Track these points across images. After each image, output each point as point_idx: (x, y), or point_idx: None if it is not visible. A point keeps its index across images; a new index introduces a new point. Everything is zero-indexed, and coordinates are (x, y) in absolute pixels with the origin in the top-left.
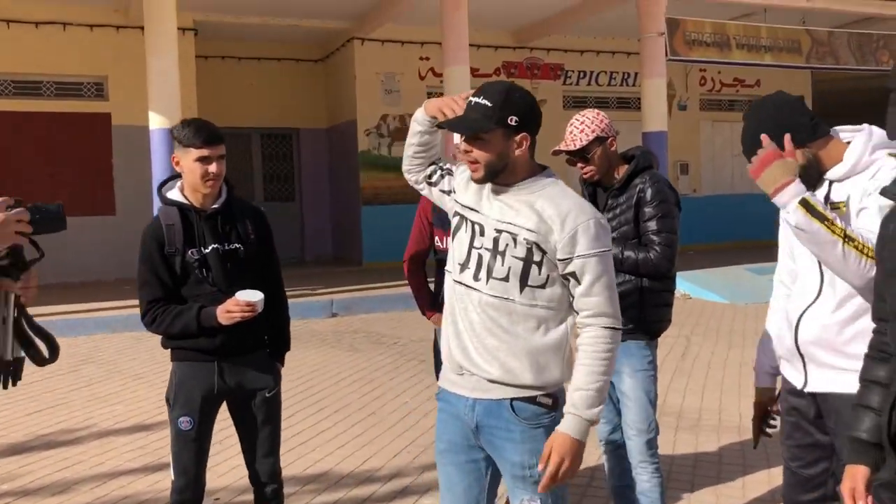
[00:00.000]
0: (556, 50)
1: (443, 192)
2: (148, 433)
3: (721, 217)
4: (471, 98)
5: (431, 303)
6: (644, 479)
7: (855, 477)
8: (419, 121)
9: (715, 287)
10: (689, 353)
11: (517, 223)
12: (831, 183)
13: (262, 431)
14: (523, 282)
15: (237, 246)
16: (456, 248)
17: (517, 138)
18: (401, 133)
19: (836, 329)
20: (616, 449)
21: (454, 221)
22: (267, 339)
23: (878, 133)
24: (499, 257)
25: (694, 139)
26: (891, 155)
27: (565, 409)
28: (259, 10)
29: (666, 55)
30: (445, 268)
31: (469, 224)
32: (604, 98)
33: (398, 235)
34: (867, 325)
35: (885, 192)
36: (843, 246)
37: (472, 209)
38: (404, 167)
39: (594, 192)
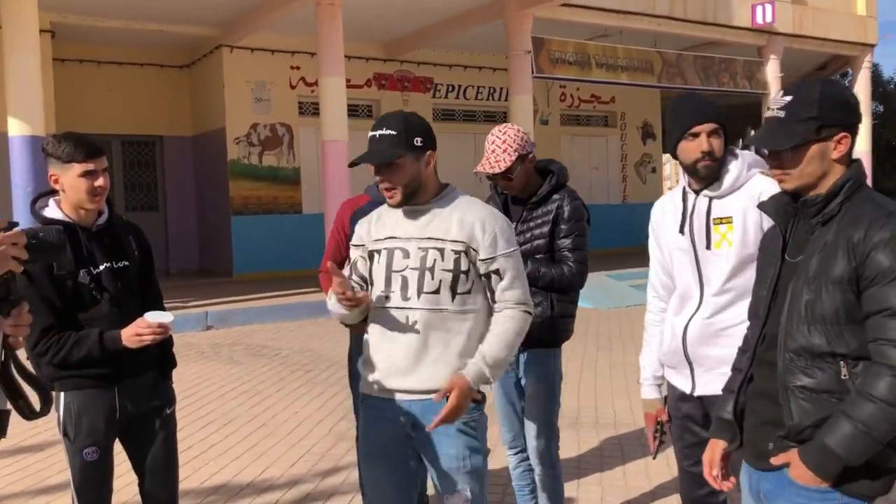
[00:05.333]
0: (426, 63)
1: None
2: (25, 455)
3: None
4: (374, 132)
5: None
6: (547, 478)
7: (714, 449)
8: (336, 310)
9: (581, 293)
10: (564, 354)
11: (442, 237)
12: (711, 199)
13: (162, 452)
14: (454, 290)
15: (126, 263)
16: (375, 280)
17: (425, 157)
18: (271, 142)
19: (717, 334)
20: (518, 453)
21: (366, 261)
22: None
23: (749, 154)
24: (427, 273)
25: (555, 153)
26: (762, 173)
27: (472, 360)
28: (121, 14)
29: (532, 73)
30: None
31: (385, 253)
32: (471, 111)
33: (269, 245)
34: (744, 330)
35: (761, 206)
36: None
37: (389, 238)
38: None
39: (506, 201)
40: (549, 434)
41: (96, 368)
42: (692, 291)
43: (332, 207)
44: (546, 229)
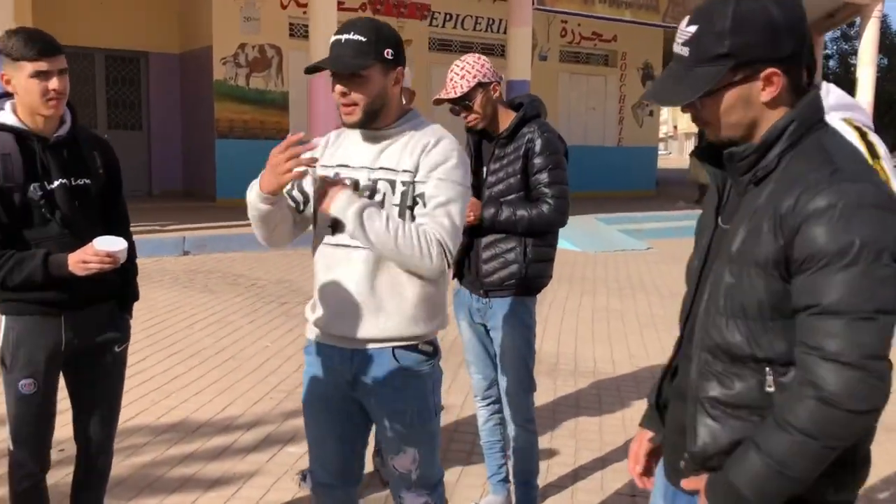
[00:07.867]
0: None
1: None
2: None
3: (574, 168)
4: (339, 36)
5: None
6: (522, 437)
7: (640, 440)
8: (256, 203)
9: (568, 235)
10: (546, 299)
11: (394, 167)
12: None
13: (105, 391)
14: None
15: (86, 181)
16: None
17: (394, 74)
18: (259, 63)
19: None
20: (491, 404)
21: (318, 187)
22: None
23: (834, 92)
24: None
25: (552, 90)
26: (845, 121)
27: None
28: None
29: (533, 4)
30: (314, 233)
31: None
32: (468, 42)
33: (254, 171)
34: None
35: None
36: None
37: (340, 165)
38: (273, 245)
39: (479, 141)
40: (528, 387)
41: (41, 293)
42: None
43: (318, 136)
44: (518, 165)
